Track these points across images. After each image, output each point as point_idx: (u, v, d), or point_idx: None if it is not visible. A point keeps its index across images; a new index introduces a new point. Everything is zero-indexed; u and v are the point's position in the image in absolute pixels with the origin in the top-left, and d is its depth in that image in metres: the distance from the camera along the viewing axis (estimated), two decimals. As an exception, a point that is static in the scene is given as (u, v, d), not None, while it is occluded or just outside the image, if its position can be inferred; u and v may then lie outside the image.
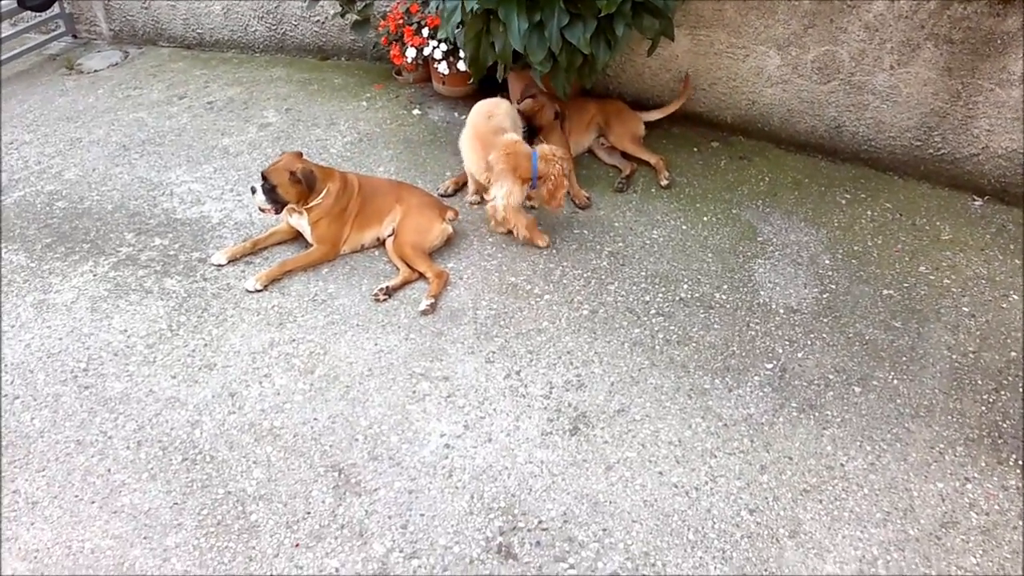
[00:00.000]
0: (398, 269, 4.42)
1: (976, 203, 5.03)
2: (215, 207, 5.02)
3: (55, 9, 7.69)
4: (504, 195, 4.41)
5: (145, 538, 3.12)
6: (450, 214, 4.60)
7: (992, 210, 4.96)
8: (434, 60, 5.90)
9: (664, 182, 5.18)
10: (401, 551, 3.08)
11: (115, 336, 4.05)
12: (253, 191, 4.37)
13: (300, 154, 4.46)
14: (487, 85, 5.82)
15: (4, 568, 3.01)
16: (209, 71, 6.99)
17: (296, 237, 4.66)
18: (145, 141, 5.82)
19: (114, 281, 4.40)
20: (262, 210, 4.43)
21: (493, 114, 4.59)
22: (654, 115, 5.62)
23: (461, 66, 5.80)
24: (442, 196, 5.02)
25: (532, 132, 5.04)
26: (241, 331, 4.07)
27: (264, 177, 4.32)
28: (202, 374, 3.84)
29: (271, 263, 4.47)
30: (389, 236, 4.55)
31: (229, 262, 4.55)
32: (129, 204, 5.07)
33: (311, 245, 4.51)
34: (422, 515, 3.21)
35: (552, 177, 4.36)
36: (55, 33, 7.86)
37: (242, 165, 5.46)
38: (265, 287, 4.31)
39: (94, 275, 4.45)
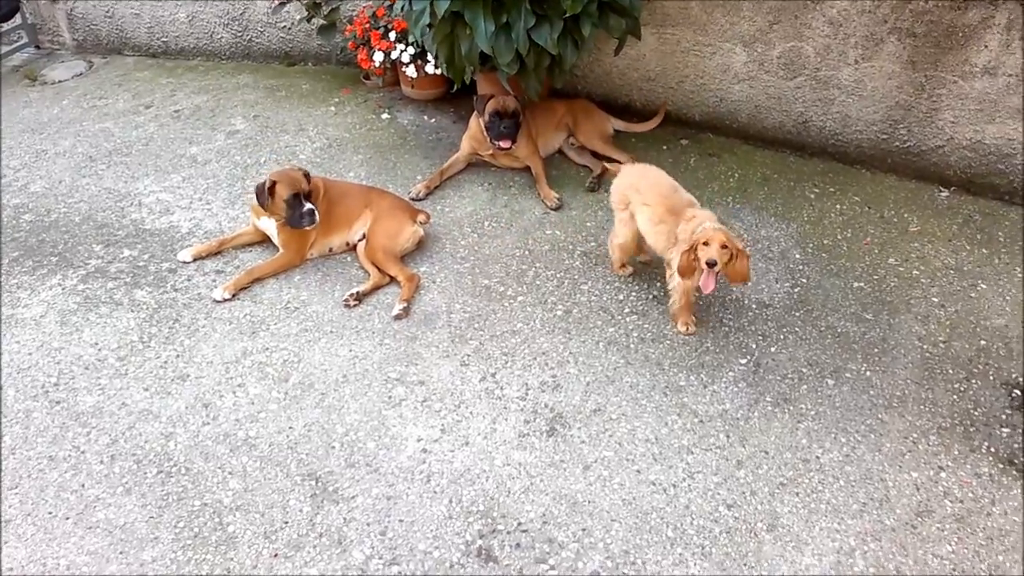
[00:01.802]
0: (369, 274, 4.41)
1: (943, 194, 5.09)
2: (184, 216, 4.98)
3: (17, 20, 7.60)
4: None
5: (121, 553, 3.09)
6: (421, 217, 4.59)
7: (958, 201, 5.02)
8: (402, 64, 5.88)
9: (635, 181, 5.19)
10: (381, 558, 3.07)
11: (85, 349, 4.01)
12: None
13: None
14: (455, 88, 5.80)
15: (-23, 588, 2.98)
16: (175, 79, 6.94)
17: (263, 240, 4.64)
18: (112, 151, 5.76)
19: (83, 294, 4.35)
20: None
21: (677, 187, 4.11)
22: (621, 125, 5.65)
23: (429, 69, 5.79)
24: (414, 200, 5.01)
25: (515, 127, 5.03)
26: (213, 341, 4.04)
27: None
28: (175, 385, 3.81)
29: (241, 271, 4.43)
30: (360, 241, 4.53)
31: (195, 260, 4.58)
32: (97, 215, 5.02)
33: (278, 249, 4.49)
34: (401, 521, 3.20)
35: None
36: (17, 44, 7.77)
37: (211, 173, 5.42)
38: (234, 296, 4.28)
39: (63, 288, 4.40)
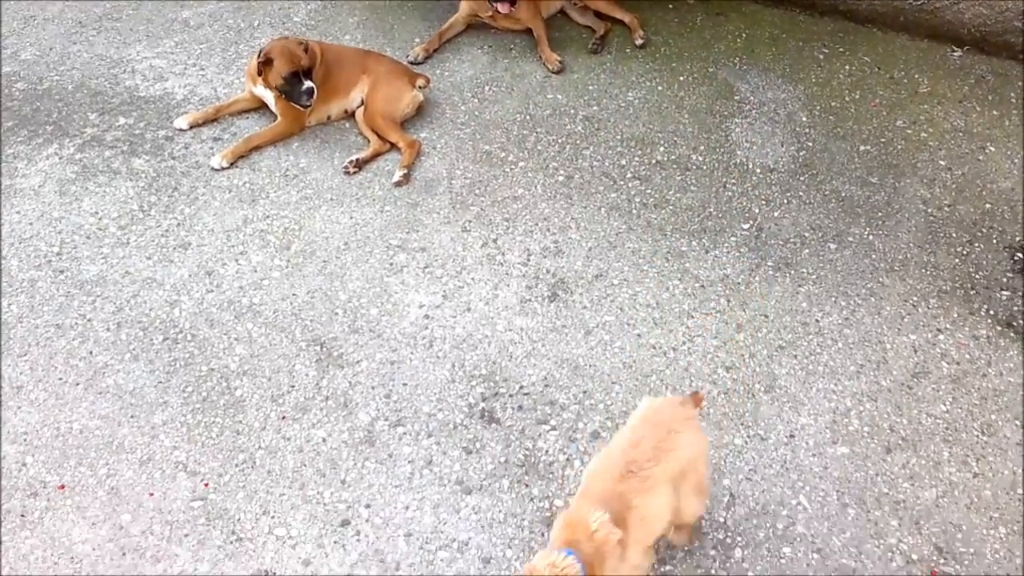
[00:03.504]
0: (369, 141, 4.35)
1: (955, 54, 4.95)
2: (178, 83, 4.87)
3: None
4: None
5: (132, 417, 3.17)
6: (421, 81, 4.49)
7: (971, 60, 4.89)
8: (398, -81, 5.64)
9: (639, 41, 5.05)
10: (386, 419, 3.14)
11: (86, 219, 4.00)
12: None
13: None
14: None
15: (-6, 451, 3.06)
16: (163, -61, 6.67)
17: (260, 107, 4.55)
18: (102, 16, 5.59)
19: (81, 163, 4.31)
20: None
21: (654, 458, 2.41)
22: None
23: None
24: (412, 64, 4.89)
25: None
26: (213, 209, 4.03)
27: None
28: (177, 254, 3.82)
29: (239, 139, 4.37)
30: (358, 107, 4.45)
31: (191, 127, 4.50)
32: (90, 83, 4.91)
33: (276, 117, 4.42)
34: (405, 384, 3.26)
35: None
36: (-3, -98, 7.44)
37: (204, 38, 5.27)
38: (232, 164, 4.24)
39: (60, 158, 4.35)
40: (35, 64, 5.10)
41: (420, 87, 4.47)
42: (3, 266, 3.77)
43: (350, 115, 4.53)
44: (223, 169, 4.22)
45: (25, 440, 3.10)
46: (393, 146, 4.31)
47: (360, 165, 4.22)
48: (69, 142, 4.44)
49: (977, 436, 3.06)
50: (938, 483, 2.97)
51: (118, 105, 4.70)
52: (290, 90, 4.20)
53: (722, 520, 2.87)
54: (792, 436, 3.07)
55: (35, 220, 3.99)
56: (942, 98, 4.59)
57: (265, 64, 4.18)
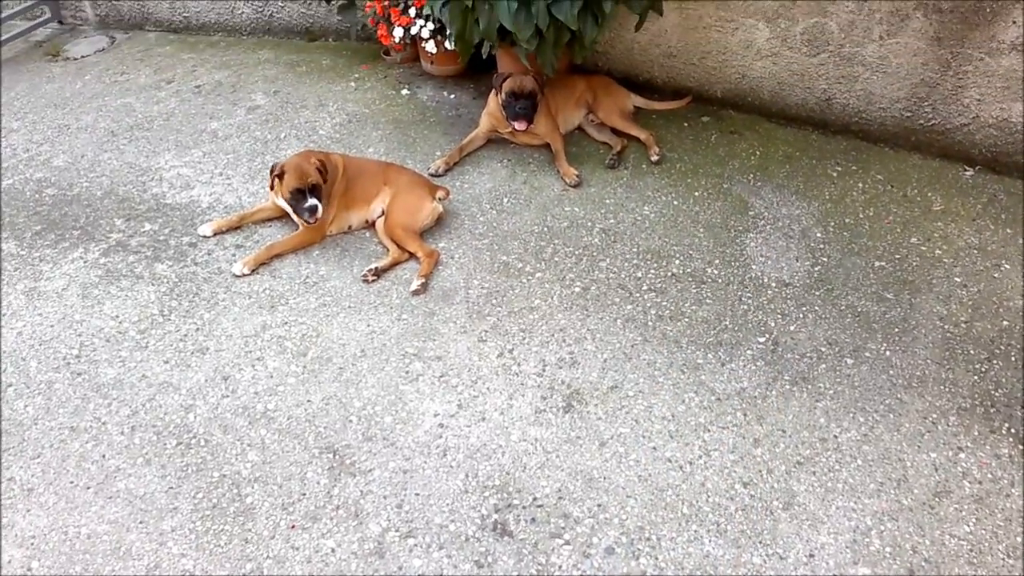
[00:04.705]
0: (388, 250, 4.41)
1: (967, 173, 5.02)
2: (204, 191, 5.00)
3: (40, -5, 7.63)
4: None
5: (141, 523, 3.13)
6: (441, 193, 4.58)
7: (983, 180, 4.96)
8: (422, 39, 5.86)
9: (655, 158, 5.16)
10: (397, 530, 3.09)
11: (107, 322, 4.04)
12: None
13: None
14: (476, 64, 5.78)
15: (1, 555, 3.02)
16: (196, 55, 6.94)
17: (283, 216, 4.65)
18: (133, 126, 5.79)
19: (105, 267, 4.39)
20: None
21: None
22: (641, 102, 5.62)
23: (449, 45, 5.75)
24: (433, 176, 5.00)
25: (531, 107, 5.00)
26: (233, 315, 4.07)
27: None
28: (195, 358, 3.84)
29: (261, 247, 4.45)
30: (379, 217, 4.53)
31: (215, 234, 4.60)
32: (119, 190, 5.04)
33: (298, 226, 4.50)
34: (417, 494, 3.22)
35: None
36: (41, 19, 7.79)
37: (231, 149, 5.43)
38: (253, 271, 4.30)
39: (84, 262, 4.43)
40: (66, 171, 5.25)
41: (440, 199, 4.56)
42: (22, 367, 3.80)
43: (371, 225, 4.61)
44: (244, 276, 4.28)
45: (32, 544, 3.06)
46: (412, 256, 4.38)
47: (379, 274, 4.27)
48: (95, 246, 4.53)
49: (1003, 559, 2.98)
50: (964, 608, 2.88)
51: (144, 212, 4.82)
52: (295, 205, 4.31)
53: (740, 643, 2.78)
54: (812, 556, 3.00)
55: (56, 323, 4.04)
56: (955, 216, 4.64)
57: (279, 177, 4.30)
